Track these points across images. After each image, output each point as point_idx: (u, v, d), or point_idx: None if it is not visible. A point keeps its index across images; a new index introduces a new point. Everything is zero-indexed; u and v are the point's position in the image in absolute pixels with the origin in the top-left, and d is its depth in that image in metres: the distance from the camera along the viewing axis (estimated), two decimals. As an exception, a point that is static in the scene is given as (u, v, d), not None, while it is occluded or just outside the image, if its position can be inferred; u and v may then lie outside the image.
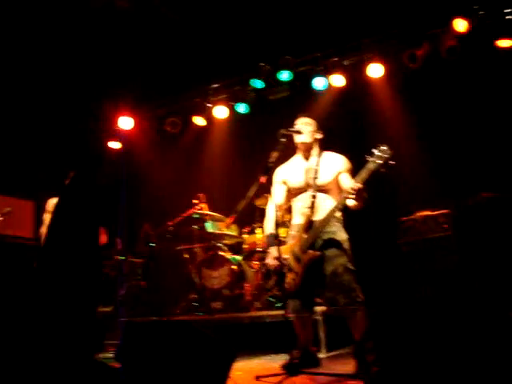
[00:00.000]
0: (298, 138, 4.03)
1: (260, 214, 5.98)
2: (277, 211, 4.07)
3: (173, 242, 6.56)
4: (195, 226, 6.55)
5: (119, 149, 8.33)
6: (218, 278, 5.90)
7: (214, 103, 7.71)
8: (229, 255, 6.10)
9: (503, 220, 5.14)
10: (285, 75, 7.11)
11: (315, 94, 7.03)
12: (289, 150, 4.07)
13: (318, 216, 3.87)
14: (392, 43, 6.61)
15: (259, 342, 5.07)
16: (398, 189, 6.31)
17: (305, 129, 4.03)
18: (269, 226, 4.08)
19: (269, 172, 3.51)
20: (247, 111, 7.59)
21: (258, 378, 3.49)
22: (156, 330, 3.24)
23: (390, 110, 6.61)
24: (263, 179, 3.50)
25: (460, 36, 6.07)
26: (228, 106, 7.68)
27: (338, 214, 3.94)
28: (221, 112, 7.70)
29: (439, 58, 6.21)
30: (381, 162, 3.52)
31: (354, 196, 3.58)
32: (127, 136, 8.27)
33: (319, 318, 4.67)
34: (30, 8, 6.63)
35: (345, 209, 3.93)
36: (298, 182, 4.03)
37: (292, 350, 3.99)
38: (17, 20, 6.77)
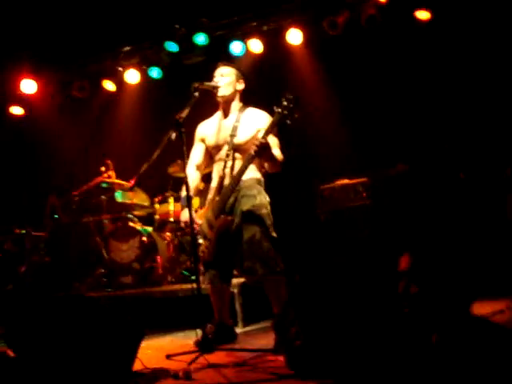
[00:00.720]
0: (215, 92, 3.68)
1: (173, 183, 5.63)
2: (196, 172, 3.78)
3: (79, 213, 6.07)
4: (104, 196, 6.08)
5: (22, 114, 7.68)
6: (127, 250, 5.50)
7: (126, 67, 7.22)
8: (139, 226, 5.71)
9: (421, 190, 5.13)
10: (201, 38, 6.75)
11: (233, 59, 6.73)
12: (208, 106, 3.78)
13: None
14: (312, 9, 6.41)
15: (172, 317, 4.77)
16: (319, 157, 6.17)
17: (222, 81, 3.68)
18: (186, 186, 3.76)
19: (178, 129, 3.14)
20: (160, 76, 7.18)
21: (168, 356, 3.20)
22: (55, 307, 2.90)
23: (310, 77, 6.44)
24: (172, 137, 3.15)
25: (380, 5, 5.97)
26: (140, 71, 7.22)
27: (258, 176, 3.65)
28: (132, 76, 7.23)
29: (360, 26, 6.09)
30: (285, 112, 3.27)
31: (257, 153, 3.30)
32: (31, 101, 7.62)
33: (235, 290, 4.42)
34: None
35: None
36: (215, 139, 3.71)
37: (206, 325, 3.73)
38: None
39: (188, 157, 3.71)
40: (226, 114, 3.74)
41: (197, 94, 3.43)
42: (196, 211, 3.69)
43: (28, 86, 7.44)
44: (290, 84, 6.47)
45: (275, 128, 3.49)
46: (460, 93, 5.75)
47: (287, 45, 6.49)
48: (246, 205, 3.53)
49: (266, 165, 3.59)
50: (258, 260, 3.45)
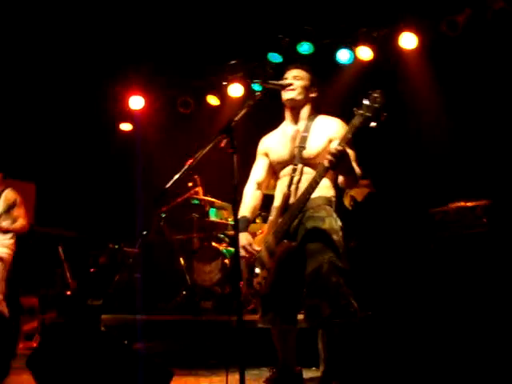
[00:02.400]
0: (284, 95, 3.13)
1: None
2: (256, 190, 3.26)
3: (167, 230, 5.80)
4: (195, 214, 5.78)
5: (130, 130, 7.73)
6: (209, 273, 5.10)
7: (230, 81, 6.99)
8: (223, 247, 5.29)
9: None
10: (305, 47, 6.32)
11: (338, 68, 6.23)
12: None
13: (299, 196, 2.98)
14: (429, 10, 5.70)
15: (249, 351, 4.24)
16: (429, 175, 5.38)
17: (295, 83, 3.12)
18: (243, 207, 3.22)
19: (229, 135, 2.64)
20: (261, 88, 6.81)
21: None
22: (85, 340, 2.57)
23: (423, 86, 5.70)
24: (223, 143, 2.66)
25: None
26: (244, 84, 6.95)
27: (328, 194, 3.03)
28: (236, 90, 6.99)
29: (482, 25, 5.28)
30: (369, 114, 2.64)
31: (333, 164, 2.70)
32: (138, 116, 7.65)
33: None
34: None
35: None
36: (280, 152, 3.15)
37: (272, 367, 3.18)
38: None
39: (241, 168, 3.21)
40: (294, 123, 3.18)
41: (258, 93, 2.91)
42: (255, 235, 3.17)
43: (136, 102, 7.50)
44: (401, 94, 5.78)
45: (351, 138, 2.88)
46: None
47: (398, 51, 5.87)
48: (313, 229, 2.92)
49: (341, 179, 2.98)
50: (324, 298, 2.80)
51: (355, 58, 6.14)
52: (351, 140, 2.82)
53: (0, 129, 6.81)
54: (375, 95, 2.66)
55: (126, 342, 4.69)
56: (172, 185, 2.60)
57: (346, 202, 5.50)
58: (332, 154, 2.69)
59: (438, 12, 5.62)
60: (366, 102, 2.67)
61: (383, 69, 5.96)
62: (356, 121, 2.70)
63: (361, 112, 2.67)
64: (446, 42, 5.48)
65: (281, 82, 3.11)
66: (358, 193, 5.49)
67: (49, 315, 6.45)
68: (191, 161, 2.63)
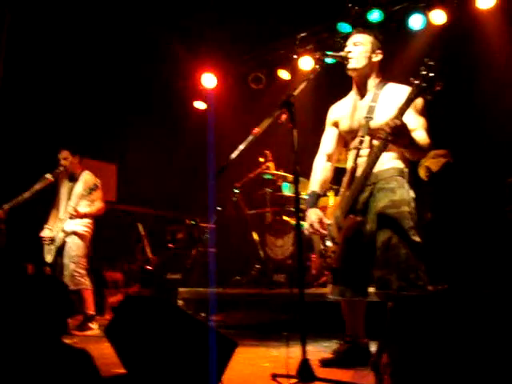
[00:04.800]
0: (347, 65, 3.06)
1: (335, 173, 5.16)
2: (326, 162, 3.23)
3: (241, 205, 5.89)
4: (268, 189, 5.84)
5: (204, 109, 7.85)
6: (281, 247, 5.16)
7: (300, 54, 6.92)
8: (294, 221, 5.31)
9: None
10: (375, 15, 6.15)
11: (410, 35, 6.02)
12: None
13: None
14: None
15: (317, 323, 4.27)
16: (508, 143, 5.12)
17: (355, 50, 3.06)
18: (312, 181, 3.22)
19: (289, 110, 2.64)
20: (334, 61, 6.70)
21: (274, 376, 2.69)
22: (152, 310, 2.69)
23: (503, 50, 5.38)
24: (282, 118, 2.67)
25: None
26: (314, 57, 6.86)
27: (400, 166, 2.95)
28: (307, 63, 6.90)
29: None
30: (424, 84, 2.54)
31: (387, 136, 2.62)
32: (211, 95, 7.74)
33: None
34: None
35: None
36: (348, 123, 3.09)
37: (340, 339, 3.21)
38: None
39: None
40: (361, 93, 3.10)
41: (317, 66, 2.90)
42: (326, 208, 3.18)
43: (208, 81, 7.59)
44: (477, 58, 5.52)
45: (420, 105, 2.83)
46: None
47: (474, 11, 5.57)
48: (381, 201, 2.87)
49: (405, 152, 2.92)
50: (393, 270, 2.76)
51: (427, 23, 5.91)
52: (423, 108, 2.77)
53: (83, 115, 7.14)
54: (430, 63, 2.58)
55: (203, 314, 4.92)
56: (235, 157, 2.64)
57: (422, 172, 5.36)
58: (389, 128, 2.62)
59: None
60: (421, 71, 2.59)
61: (458, 32, 5.70)
62: (411, 92, 2.63)
63: (417, 82, 2.59)
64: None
65: (340, 54, 3.06)
66: (434, 163, 5.33)
67: (132, 289, 6.79)
68: (255, 131, 2.66)
